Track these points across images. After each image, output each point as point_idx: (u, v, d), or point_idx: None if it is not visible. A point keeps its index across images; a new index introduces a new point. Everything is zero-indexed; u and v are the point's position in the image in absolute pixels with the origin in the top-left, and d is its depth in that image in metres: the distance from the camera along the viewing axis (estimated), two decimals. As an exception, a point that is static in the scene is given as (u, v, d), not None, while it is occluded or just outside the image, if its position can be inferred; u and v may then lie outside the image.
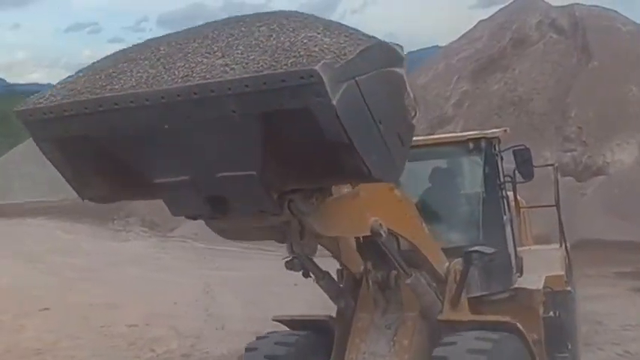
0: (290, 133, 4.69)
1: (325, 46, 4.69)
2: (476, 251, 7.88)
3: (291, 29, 4.94)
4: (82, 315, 17.48)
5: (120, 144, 5.02)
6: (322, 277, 7.76)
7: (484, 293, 8.53)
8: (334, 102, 4.48)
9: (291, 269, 7.64)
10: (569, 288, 9.94)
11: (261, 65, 4.59)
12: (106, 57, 5.53)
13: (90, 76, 5.19)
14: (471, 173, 9.22)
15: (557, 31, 35.14)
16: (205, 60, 4.85)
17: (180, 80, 4.73)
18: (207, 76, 4.66)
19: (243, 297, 18.48)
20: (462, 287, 7.88)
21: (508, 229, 9.15)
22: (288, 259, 7.47)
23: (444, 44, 45.02)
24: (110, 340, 15.74)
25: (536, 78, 32.68)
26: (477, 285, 8.42)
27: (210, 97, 4.59)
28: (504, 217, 9.10)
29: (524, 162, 9.30)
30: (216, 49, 4.95)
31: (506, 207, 9.18)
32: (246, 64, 4.66)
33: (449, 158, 9.49)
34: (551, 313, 9.23)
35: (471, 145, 8.87)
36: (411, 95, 5.40)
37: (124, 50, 5.56)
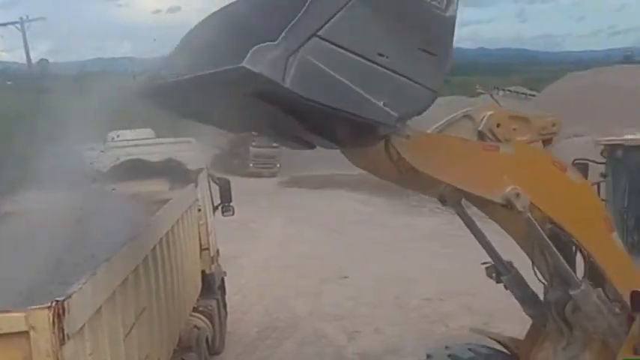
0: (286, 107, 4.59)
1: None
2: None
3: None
4: (379, 286, 18.09)
5: None
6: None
7: None
8: (287, 84, 4.23)
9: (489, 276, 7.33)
10: None
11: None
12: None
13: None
14: None
15: None
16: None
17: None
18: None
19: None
20: None
21: None
22: (487, 265, 7.23)
23: None
24: (405, 311, 16.19)
25: None
26: None
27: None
28: None
29: None
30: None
31: None
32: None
33: None
34: None
35: None
36: None
37: None
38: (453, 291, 17.14)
